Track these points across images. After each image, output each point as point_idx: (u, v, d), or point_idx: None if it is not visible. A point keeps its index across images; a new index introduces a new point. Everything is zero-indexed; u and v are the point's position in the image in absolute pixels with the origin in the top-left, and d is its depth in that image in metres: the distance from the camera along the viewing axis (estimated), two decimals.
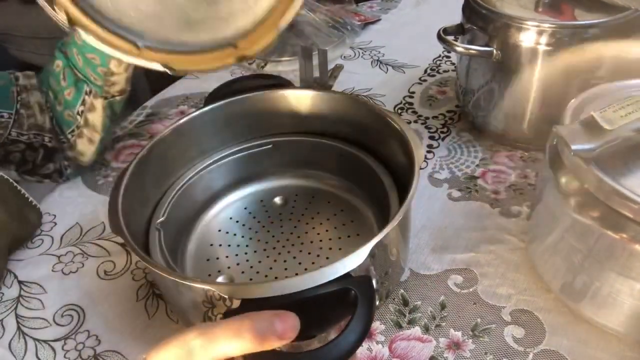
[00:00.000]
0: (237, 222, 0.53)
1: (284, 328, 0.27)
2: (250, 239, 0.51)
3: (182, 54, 0.41)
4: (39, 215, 0.57)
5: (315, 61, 0.69)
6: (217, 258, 0.49)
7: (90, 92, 0.55)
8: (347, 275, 0.33)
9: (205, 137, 0.53)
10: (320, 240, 0.50)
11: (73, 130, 0.57)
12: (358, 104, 0.52)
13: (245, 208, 0.55)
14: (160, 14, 0.44)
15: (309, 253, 0.49)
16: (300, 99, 0.54)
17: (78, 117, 0.56)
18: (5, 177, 0.52)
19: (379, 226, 0.51)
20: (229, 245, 0.51)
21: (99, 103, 0.55)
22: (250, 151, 0.55)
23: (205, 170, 0.53)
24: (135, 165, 0.45)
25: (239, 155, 0.55)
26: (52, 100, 0.56)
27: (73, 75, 0.54)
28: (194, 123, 0.51)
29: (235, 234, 0.52)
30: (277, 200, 0.55)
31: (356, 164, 0.53)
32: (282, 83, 0.56)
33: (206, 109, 0.52)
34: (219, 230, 0.52)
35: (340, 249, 0.49)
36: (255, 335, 0.25)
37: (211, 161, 0.54)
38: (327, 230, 0.51)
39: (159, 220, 0.47)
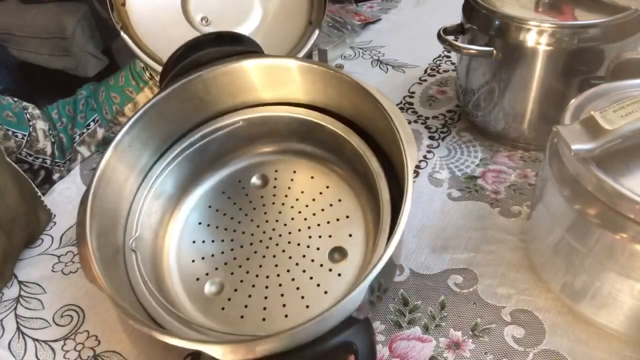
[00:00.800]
0: (217, 211, 0.50)
1: None
2: (234, 231, 0.48)
3: None
4: (49, 217, 0.57)
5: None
6: (203, 258, 0.47)
7: (97, 121, 0.66)
8: (347, 320, 0.32)
9: (165, 127, 0.48)
10: (309, 228, 0.47)
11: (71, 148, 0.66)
12: (340, 81, 0.48)
13: (223, 192, 0.51)
14: None
15: (299, 244, 0.46)
16: (271, 69, 0.48)
17: (77, 137, 0.66)
18: (27, 177, 0.53)
19: (368, 205, 0.47)
20: (213, 241, 0.47)
21: (100, 133, 0.66)
22: (219, 132, 0.51)
23: (174, 162, 0.49)
24: (94, 188, 0.42)
25: (209, 138, 0.51)
26: (63, 125, 0.64)
27: (90, 104, 0.65)
28: (148, 115, 0.46)
29: (217, 227, 0.48)
30: (255, 180, 0.51)
31: (338, 138, 0.49)
32: (250, 50, 0.46)
33: (160, 97, 0.46)
34: (199, 223, 0.49)
35: (330, 236, 0.46)
36: None
37: (179, 150, 0.49)
38: (314, 214, 0.48)
39: (132, 239, 0.44)
